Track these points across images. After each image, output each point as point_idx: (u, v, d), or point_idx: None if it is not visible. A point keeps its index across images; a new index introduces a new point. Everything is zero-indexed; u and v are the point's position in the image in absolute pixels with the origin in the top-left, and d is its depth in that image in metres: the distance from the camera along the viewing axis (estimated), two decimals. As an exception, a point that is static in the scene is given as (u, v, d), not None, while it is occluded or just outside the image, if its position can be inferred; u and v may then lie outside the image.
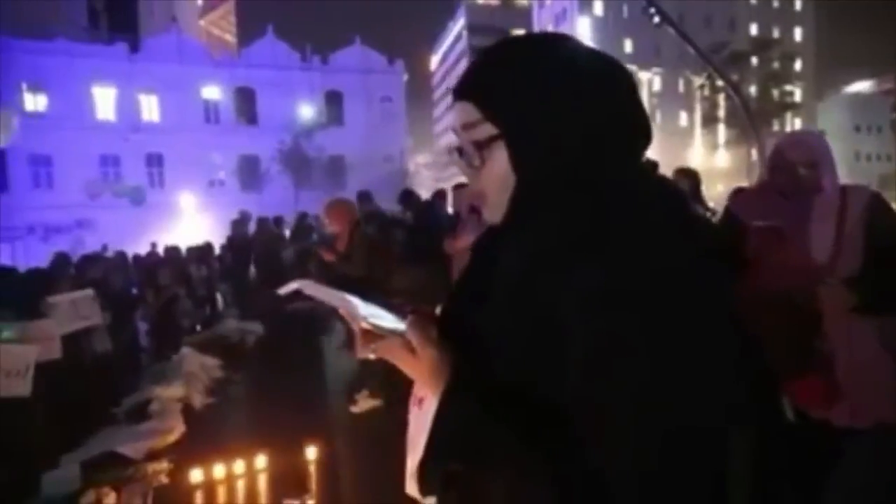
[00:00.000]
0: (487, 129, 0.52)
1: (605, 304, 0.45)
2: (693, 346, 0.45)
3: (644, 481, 0.43)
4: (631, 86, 0.54)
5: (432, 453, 0.51)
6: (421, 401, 0.57)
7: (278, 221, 8.75)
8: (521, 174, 0.52)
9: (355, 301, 0.56)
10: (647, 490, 0.43)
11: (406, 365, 0.54)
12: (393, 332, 0.54)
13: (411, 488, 0.55)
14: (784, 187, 1.42)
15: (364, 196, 5.00)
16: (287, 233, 8.81)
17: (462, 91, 0.55)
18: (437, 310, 0.63)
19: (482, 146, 0.53)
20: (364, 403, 3.46)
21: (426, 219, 4.39)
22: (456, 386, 0.51)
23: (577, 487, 0.44)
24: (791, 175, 1.40)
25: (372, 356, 0.56)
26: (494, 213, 0.55)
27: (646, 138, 0.55)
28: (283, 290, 0.60)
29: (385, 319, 0.56)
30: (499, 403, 0.49)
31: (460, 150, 0.56)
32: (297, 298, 0.61)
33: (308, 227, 8.36)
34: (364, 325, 0.55)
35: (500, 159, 0.52)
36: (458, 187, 4.21)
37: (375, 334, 0.55)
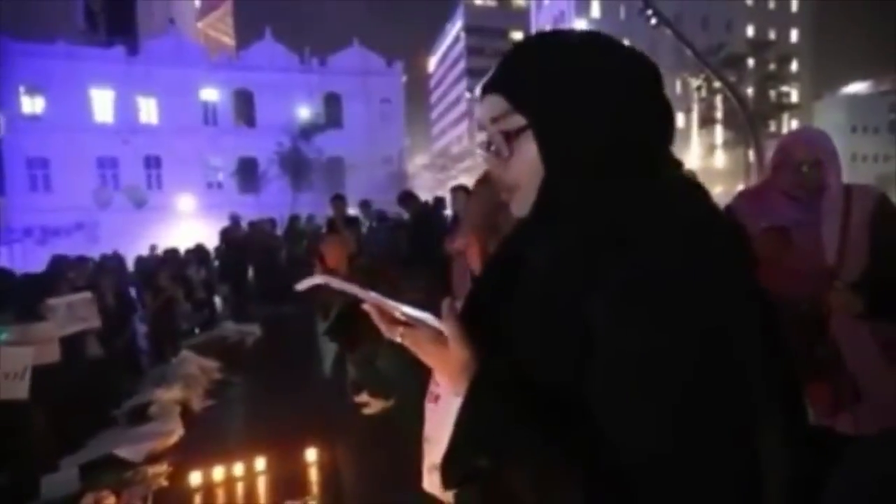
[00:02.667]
0: (517, 120, 0.52)
1: (632, 300, 0.45)
2: (721, 343, 0.44)
3: (668, 476, 0.43)
4: (657, 81, 0.54)
5: (457, 447, 0.51)
6: (437, 398, 0.57)
7: (272, 224, 8.71)
8: (550, 166, 0.52)
9: (374, 294, 0.56)
10: (671, 485, 0.43)
11: (433, 357, 0.54)
12: (424, 323, 0.54)
13: (429, 484, 0.56)
14: (787, 186, 1.39)
15: (340, 198, 4.92)
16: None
17: (492, 84, 0.55)
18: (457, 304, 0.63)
19: (511, 137, 0.53)
20: (375, 405, 3.46)
21: (425, 220, 4.39)
22: (483, 381, 0.51)
23: (602, 483, 0.44)
24: (795, 173, 1.36)
25: (399, 339, 0.56)
26: (523, 205, 0.55)
27: (671, 129, 0.55)
28: (302, 286, 0.59)
29: (413, 311, 0.55)
30: (525, 399, 0.48)
31: (488, 144, 0.56)
32: (316, 291, 0.61)
33: (300, 232, 8.35)
34: (397, 315, 0.55)
35: (528, 150, 0.52)
36: (456, 189, 4.21)
37: (403, 321, 0.56)
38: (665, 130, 0.54)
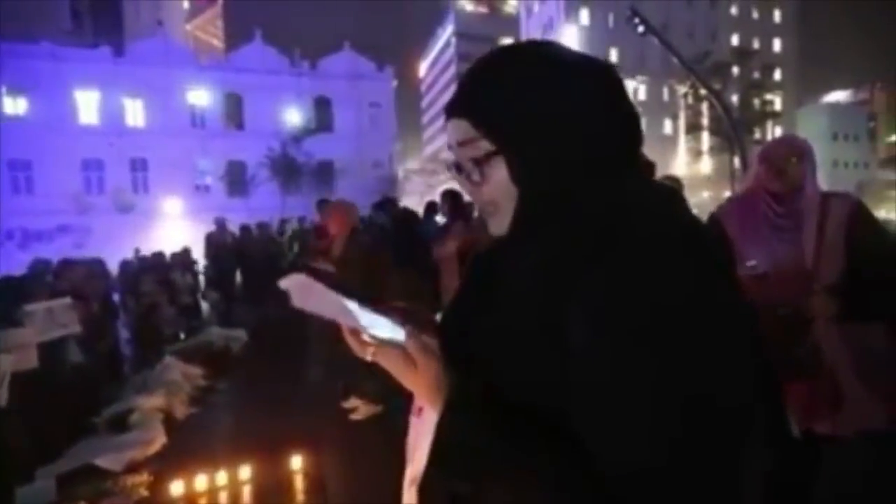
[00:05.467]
0: (484, 146, 0.52)
1: (610, 315, 0.44)
2: (702, 355, 0.43)
3: (654, 491, 0.42)
4: (620, 88, 0.53)
5: (434, 473, 0.50)
6: (420, 410, 0.57)
7: (263, 227, 8.64)
8: (523, 187, 0.52)
9: (352, 307, 0.54)
10: (657, 499, 0.42)
11: (404, 376, 0.53)
12: (392, 343, 0.53)
13: (410, 497, 0.54)
14: (769, 182, 1.44)
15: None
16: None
17: (455, 108, 0.54)
18: (437, 316, 0.62)
19: (481, 162, 0.52)
20: (364, 410, 3.42)
21: (406, 226, 4.38)
22: (457, 403, 0.50)
23: (585, 500, 0.43)
24: (778, 166, 1.43)
25: (370, 358, 0.55)
26: (500, 224, 0.55)
27: (639, 142, 0.54)
28: (282, 284, 0.56)
29: (384, 328, 0.54)
30: (501, 418, 0.48)
31: (458, 167, 0.55)
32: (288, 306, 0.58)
33: (292, 234, 8.31)
34: (364, 337, 0.54)
35: (500, 173, 0.52)
36: (446, 194, 4.20)
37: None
38: (632, 137, 0.54)
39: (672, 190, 0.55)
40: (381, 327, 0.54)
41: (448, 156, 0.57)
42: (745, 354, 0.46)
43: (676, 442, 0.42)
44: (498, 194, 0.53)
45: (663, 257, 0.46)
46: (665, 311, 0.43)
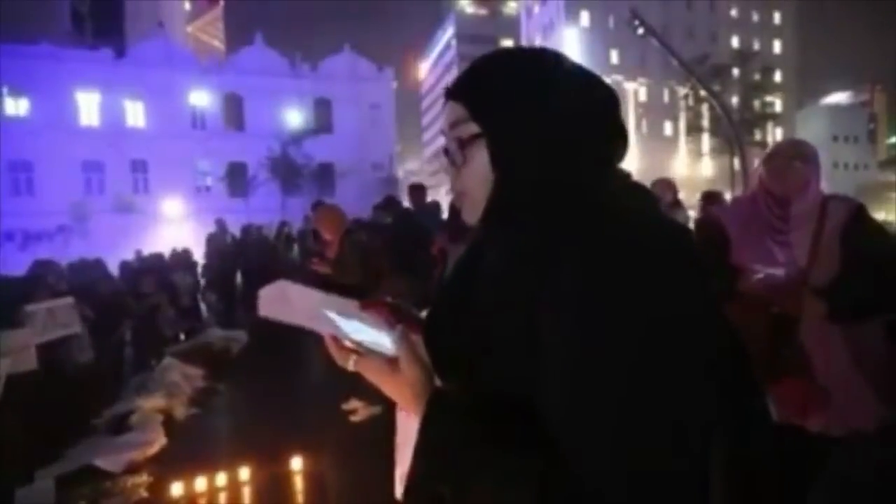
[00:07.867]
0: (471, 128, 0.54)
1: (579, 306, 0.45)
2: (671, 346, 0.44)
3: (628, 491, 0.43)
4: (611, 99, 0.55)
5: (417, 476, 0.50)
6: None
7: (263, 229, 8.66)
8: (500, 174, 0.53)
9: (331, 314, 0.54)
10: (632, 498, 0.42)
11: (386, 384, 0.54)
12: (376, 351, 0.53)
13: (401, 492, 0.55)
14: (772, 185, 1.45)
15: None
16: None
17: (453, 90, 0.57)
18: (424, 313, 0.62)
19: (464, 144, 0.54)
20: (364, 411, 3.40)
21: (407, 224, 4.38)
22: (437, 407, 0.50)
23: (560, 496, 0.44)
24: (782, 169, 1.44)
25: (351, 367, 0.55)
26: (473, 212, 0.56)
27: (623, 148, 0.56)
28: (261, 292, 0.57)
29: (367, 333, 0.54)
30: (481, 421, 0.48)
31: (447, 150, 0.58)
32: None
33: (288, 237, 8.31)
34: (347, 343, 0.55)
35: (480, 158, 0.54)
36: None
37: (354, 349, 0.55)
38: (616, 147, 0.56)
39: (647, 193, 0.56)
40: (364, 333, 0.54)
41: (442, 142, 0.59)
42: (709, 354, 0.47)
43: (646, 438, 0.43)
44: (474, 180, 0.54)
45: (633, 257, 0.46)
46: (634, 311, 0.44)
